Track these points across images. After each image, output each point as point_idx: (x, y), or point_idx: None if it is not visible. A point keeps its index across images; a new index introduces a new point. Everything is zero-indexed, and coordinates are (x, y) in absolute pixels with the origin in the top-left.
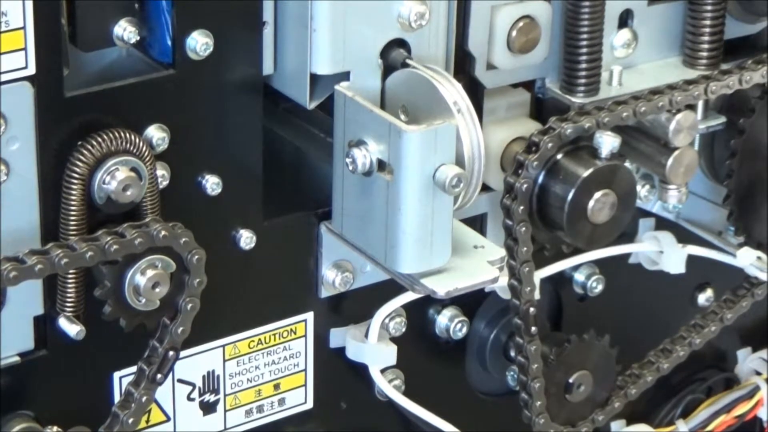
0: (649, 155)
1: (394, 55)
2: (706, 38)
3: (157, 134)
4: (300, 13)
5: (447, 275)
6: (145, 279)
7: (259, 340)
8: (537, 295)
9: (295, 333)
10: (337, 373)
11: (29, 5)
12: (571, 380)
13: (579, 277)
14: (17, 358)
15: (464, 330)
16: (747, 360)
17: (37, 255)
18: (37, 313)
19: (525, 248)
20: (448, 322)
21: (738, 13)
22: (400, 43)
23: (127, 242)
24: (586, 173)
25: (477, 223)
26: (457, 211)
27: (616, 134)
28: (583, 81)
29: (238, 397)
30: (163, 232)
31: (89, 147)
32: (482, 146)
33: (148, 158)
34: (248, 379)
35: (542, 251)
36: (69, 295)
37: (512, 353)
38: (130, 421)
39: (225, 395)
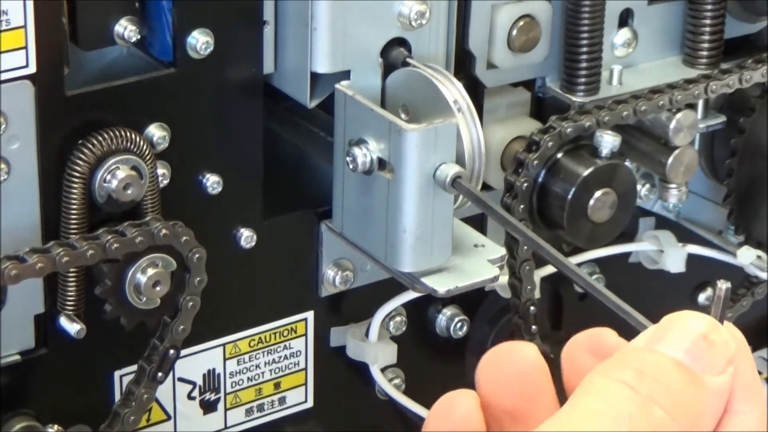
0: (650, 154)
1: (395, 54)
2: (706, 37)
3: (157, 133)
4: (300, 12)
5: (447, 274)
6: (146, 277)
7: (260, 338)
8: (537, 294)
9: (295, 332)
10: (338, 372)
11: (30, 4)
12: None
13: None
14: (18, 357)
15: (465, 329)
16: None
17: (37, 253)
18: (38, 311)
19: (525, 247)
20: (448, 320)
21: (738, 12)
22: (400, 42)
23: (127, 241)
24: (586, 172)
25: (477, 221)
26: (458, 210)
27: (617, 133)
28: (583, 80)
29: (239, 395)
30: (163, 231)
31: (90, 146)
32: (482, 145)
33: (148, 157)
34: (248, 378)
35: None
36: (69, 293)
37: None
38: (131, 419)
39: (225, 394)
